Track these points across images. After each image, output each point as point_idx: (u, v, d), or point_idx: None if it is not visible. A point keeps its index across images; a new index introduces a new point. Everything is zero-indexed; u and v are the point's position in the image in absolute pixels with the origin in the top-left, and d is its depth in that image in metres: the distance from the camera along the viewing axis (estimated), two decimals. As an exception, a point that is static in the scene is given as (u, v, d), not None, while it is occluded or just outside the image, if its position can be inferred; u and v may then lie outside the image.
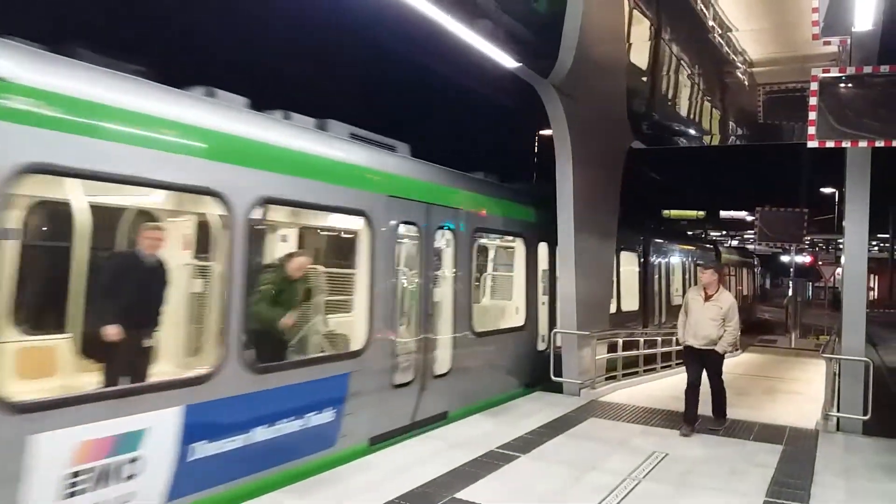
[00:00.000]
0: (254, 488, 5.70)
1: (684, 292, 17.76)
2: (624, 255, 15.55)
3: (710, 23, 15.96)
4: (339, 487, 5.95)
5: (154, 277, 5.79)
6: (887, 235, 63.18)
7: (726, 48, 17.25)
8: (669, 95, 16.58)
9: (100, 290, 5.55)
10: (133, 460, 4.86)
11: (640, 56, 14.45)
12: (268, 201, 6.21)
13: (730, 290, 27.72)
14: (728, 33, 16.56)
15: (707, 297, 8.58)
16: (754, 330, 28.69)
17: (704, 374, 8.77)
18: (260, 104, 6.70)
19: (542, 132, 25.03)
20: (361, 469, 6.48)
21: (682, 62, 16.77)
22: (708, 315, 8.49)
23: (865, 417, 8.68)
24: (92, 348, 5.55)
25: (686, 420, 8.60)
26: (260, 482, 5.80)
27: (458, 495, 5.89)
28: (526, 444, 7.67)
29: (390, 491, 5.87)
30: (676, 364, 15.04)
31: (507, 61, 9.13)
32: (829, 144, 7.93)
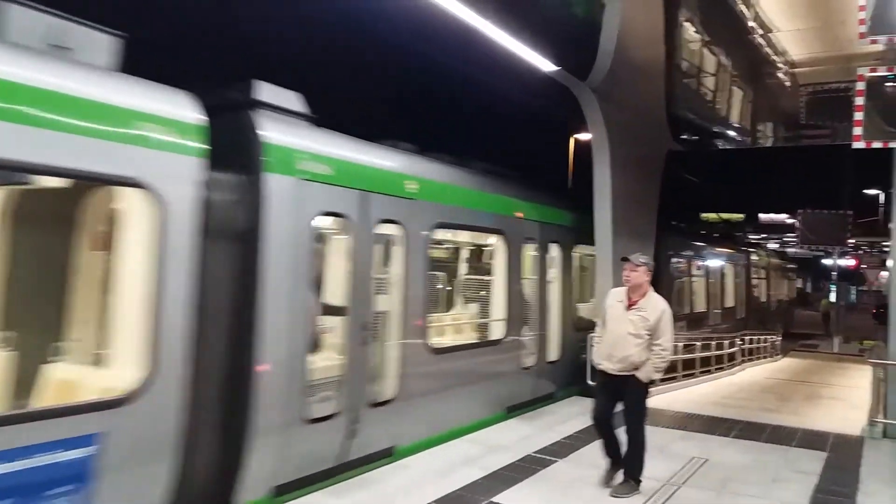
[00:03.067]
0: None
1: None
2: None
3: (751, 23, 15.78)
4: (376, 489, 6.00)
5: None
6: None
7: (767, 49, 17.02)
8: (709, 98, 16.42)
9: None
10: None
11: (678, 59, 14.33)
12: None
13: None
14: (769, 34, 16.33)
15: (630, 304, 6.22)
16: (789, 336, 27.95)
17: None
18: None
19: (577, 136, 24.92)
20: (399, 471, 6.53)
21: (721, 64, 16.59)
22: (628, 328, 6.10)
23: (914, 425, 8.49)
24: None
25: (609, 463, 6.52)
26: None
27: (496, 499, 5.90)
28: (563, 448, 7.65)
29: (428, 494, 5.90)
30: (716, 368, 14.89)
31: (545, 65, 9.13)
32: (876, 145, 7.80)
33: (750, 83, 18.02)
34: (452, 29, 8.02)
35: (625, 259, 6.28)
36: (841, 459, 7.69)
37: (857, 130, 7.82)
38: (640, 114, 11.63)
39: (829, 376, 17.30)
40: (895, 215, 8.93)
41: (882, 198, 18.00)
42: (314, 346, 6.19)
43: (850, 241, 25.21)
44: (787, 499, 6.33)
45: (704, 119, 16.13)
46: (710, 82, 16.17)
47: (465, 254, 10.80)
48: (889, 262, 10.45)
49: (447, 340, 9.02)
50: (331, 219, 6.45)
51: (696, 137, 15.76)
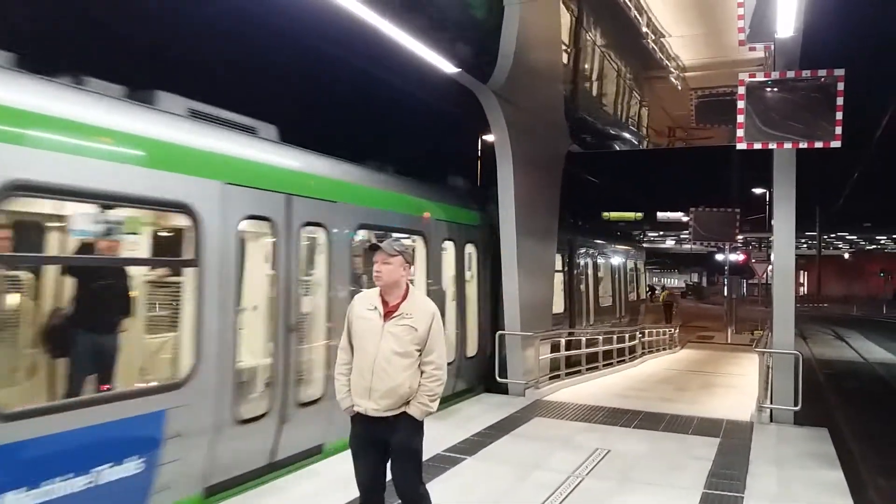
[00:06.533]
0: None
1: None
2: None
3: (644, 29, 16.40)
4: (281, 497, 5.88)
5: None
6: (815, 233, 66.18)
7: (660, 54, 17.72)
8: (605, 100, 16.95)
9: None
10: None
11: (576, 62, 14.73)
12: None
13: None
14: (661, 39, 17.01)
15: (389, 311, 4.30)
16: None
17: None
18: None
19: (484, 136, 25.28)
20: (306, 477, 6.41)
21: (617, 68, 17.17)
22: (392, 346, 4.22)
23: (796, 408, 9.04)
24: None
25: None
26: None
27: (405, 500, 5.88)
28: (472, 445, 7.71)
29: (336, 499, 5.81)
30: (618, 361, 15.40)
31: (447, 67, 9.19)
32: (757, 146, 8.26)
33: (645, 87, 18.69)
34: (352, 29, 7.93)
35: (374, 248, 4.39)
36: (733, 444, 8.10)
37: (740, 132, 8.27)
38: (540, 115, 11.89)
39: (722, 365, 18.22)
40: (776, 212, 9.49)
41: (768, 196, 19.11)
42: None
43: (738, 237, 26.76)
44: (683, 484, 6.60)
45: (601, 121, 16.65)
46: (606, 85, 16.70)
47: None
48: (773, 257, 11.11)
49: None
50: None
51: (594, 139, 16.26)
